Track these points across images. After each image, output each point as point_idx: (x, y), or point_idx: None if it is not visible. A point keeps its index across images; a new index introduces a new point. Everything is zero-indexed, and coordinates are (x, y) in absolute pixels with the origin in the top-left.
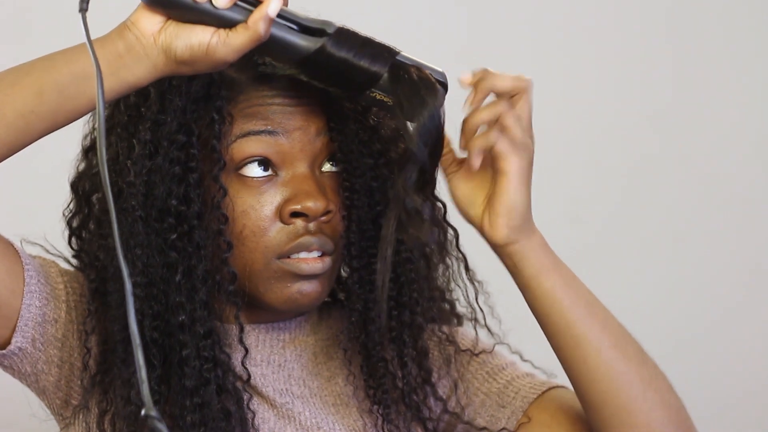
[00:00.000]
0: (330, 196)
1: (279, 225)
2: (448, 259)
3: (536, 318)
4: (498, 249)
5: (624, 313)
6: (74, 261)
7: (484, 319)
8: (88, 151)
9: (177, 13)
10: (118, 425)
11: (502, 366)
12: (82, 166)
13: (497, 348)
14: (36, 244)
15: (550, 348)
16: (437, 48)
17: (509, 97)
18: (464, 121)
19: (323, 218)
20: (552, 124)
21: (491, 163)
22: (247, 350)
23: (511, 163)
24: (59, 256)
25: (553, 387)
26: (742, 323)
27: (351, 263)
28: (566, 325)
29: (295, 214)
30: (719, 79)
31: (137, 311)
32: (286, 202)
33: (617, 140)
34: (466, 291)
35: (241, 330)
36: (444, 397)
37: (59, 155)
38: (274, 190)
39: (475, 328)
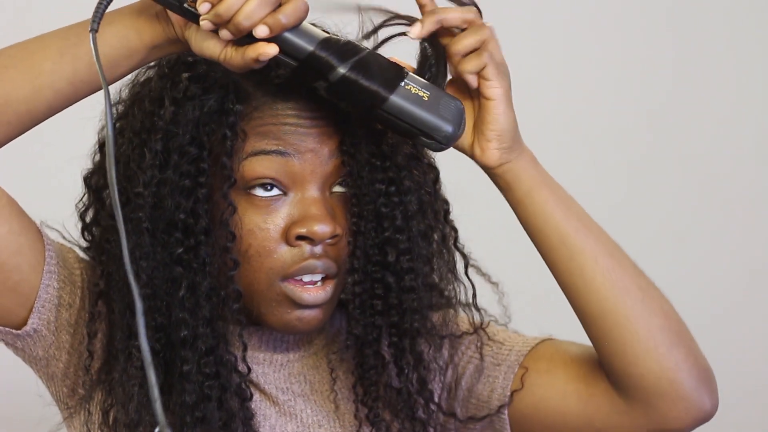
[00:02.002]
0: (338, 219)
1: (285, 247)
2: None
3: (530, 236)
4: (490, 171)
5: None
6: (84, 254)
7: (474, 294)
8: (103, 146)
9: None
10: (118, 429)
11: (493, 332)
12: (97, 157)
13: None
14: (54, 229)
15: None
16: None
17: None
18: (449, 47)
19: (329, 241)
20: (551, 123)
21: (475, 90)
22: (250, 369)
23: (498, 87)
24: (75, 244)
25: (545, 340)
26: (742, 323)
27: (353, 288)
28: (560, 238)
29: (301, 237)
30: (719, 78)
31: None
32: (294, 224)
33: (616, 140)
34: (457, 265)
35: (245, 349)
36: (438, 399)
37: (62, 153)
38: (282, 211)
39: (470, 308)
